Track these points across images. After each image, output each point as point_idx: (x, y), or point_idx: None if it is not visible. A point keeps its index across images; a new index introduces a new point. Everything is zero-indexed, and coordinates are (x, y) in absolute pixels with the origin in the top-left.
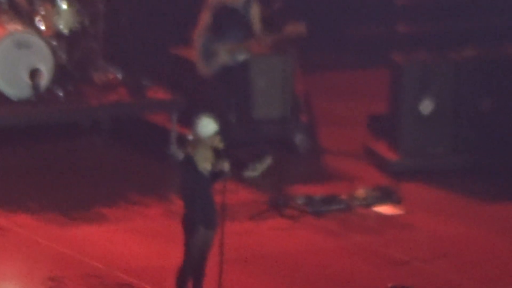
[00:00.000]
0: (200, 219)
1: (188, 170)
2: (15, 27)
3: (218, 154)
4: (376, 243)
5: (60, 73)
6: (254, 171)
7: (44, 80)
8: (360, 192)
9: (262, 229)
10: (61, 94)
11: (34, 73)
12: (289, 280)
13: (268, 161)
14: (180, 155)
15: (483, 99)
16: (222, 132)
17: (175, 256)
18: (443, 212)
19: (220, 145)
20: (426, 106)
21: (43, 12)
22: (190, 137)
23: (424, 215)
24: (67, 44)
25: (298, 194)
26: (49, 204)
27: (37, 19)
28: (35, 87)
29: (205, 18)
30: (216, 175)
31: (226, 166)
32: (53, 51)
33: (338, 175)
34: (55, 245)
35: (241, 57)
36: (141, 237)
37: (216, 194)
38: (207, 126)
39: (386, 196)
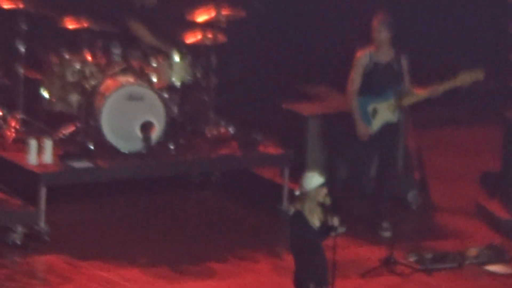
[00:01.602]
0: (310, 277)
1: (298, 225)
2: (127, 79)
3: (326, 209)
4: None
5: (172, 126)
6: (388, 231)
7: (155, 133)
8: (472, 250)
9: (373, 287)
10: (172, 147)
11: (145, 126)
12: None
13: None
14: (291, 210)
15: None
16: (363, 187)
17: None
18: None
19: (327, 200)
20: None
21: (155, 65)
22: (297, 192)
23: None
24: (178, 97)
25: (410, 251)
26: (158, 259)
27: (150, 72)
28: (146, 140)
29: (355, 75)
30: (326, 230)
31: (335, 221)
32: (165, 104)
33: (450, 232)
34: None
35: (400, 112)
36: None
37: (326, 250)
38: (312, 179)
39: (499, 255)
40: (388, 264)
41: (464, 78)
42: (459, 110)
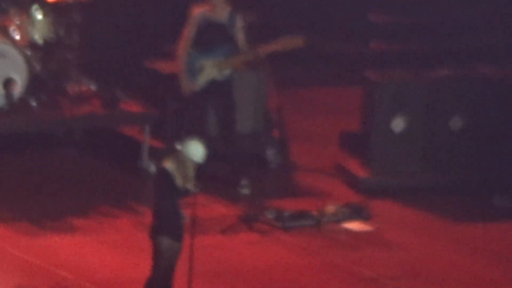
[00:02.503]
0: (166, 231)
1: (163, 183)
2: None
3: (189, 178)
4: (345, 260)
5: (34, 83)
6: (247, 189)
7: (18, 90)
8: (330, 208)
9: (232, 243)
10: (34, 104)
11: (7, 83)
12: None
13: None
14: (151, 167)
15: (455, 118)
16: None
17: (144, 268)
18: (413, 230)
19: (193, 172)
20: (398, 124)
21: (18, 22)
22: (178, 148)
23: (394, 232)
24: (41, 54)
25: (269, 208)
26: (19, 214)
27: (11, 28)
28: (8, 96)
29: (188, 33)
30: (185, 192)
31: (192, 186)
32: (28, 61)
33: (309, 191)
34: (24, 255)
35: (228, 71)
36: (111, 248)
37: (186, 207)
38: (196, 151)
39: (356, 213)
40: (247, 221)
41: (285, 43)
42: (320, 71)
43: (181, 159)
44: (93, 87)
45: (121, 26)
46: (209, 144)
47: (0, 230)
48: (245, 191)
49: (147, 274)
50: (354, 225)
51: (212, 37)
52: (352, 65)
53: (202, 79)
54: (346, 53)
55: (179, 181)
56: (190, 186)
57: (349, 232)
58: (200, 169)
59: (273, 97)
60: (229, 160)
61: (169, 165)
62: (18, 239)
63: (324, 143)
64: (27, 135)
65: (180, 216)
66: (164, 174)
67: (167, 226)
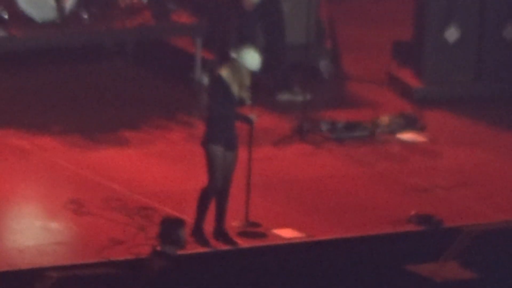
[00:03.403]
0: (218, 139)
1: (218, 90)
2: None
3: (244, 86)
4: (398, 170)
5: None
6: (287, 95)
7: (69, 2)
8: (384, 119)
9: (285, 155)
10: (85, 16)
11: None
12: (311, 206)
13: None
14: (204, 79)
15: (508, 28)
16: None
17: (196, 180)
18: (466, 140)
19: (248, 81)
20: (452, 34)
21: None
22: (232, 58)
23: (447, 143)
24: None
25: (322, 120)
26: (72, 127)
27: None
28: (60, 9)
29: None
30: (240, 101)
31: (247, 96)
32: None
33: (362, 101)
34: (77, 168)
35: None
36: (163, 161)
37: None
38: (254, 60)
39: (410, 123)
40: (300, 132)
41: None
42: None
43: (236, 67)
44: None
45: None
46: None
47: (52, 143)
48: (298, 97)
49: (199, 186)
50: (407, 136)
51: None
52: None
53: None
54: None
55: (234, 89)
56: (246, 95)
57: (402, 142)
58: (253, 80)
59: (325, 8)
60: (279, 72)
61: (224, 73)
62: (70, 152)
63: (376, 53)
64: (78, 48)
65: (233, 126)
66: (219, 82)
67: (219, 135)
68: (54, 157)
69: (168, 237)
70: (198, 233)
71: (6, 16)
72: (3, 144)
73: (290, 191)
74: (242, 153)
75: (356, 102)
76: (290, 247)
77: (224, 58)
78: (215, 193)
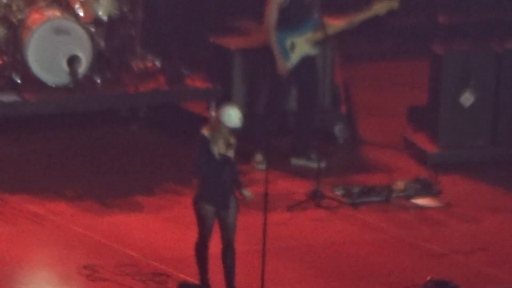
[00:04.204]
0: (208, 199)
1: (201, 148)
2: (53, 13)
3: (229, 145)
4: (414, 236)
5: (98, 60)
6: (314, 162)
7: (82, 67)
8: (399, 184)
9: (300, 220)
10: (99, 81)
11: (72, 60)
12: (326, 272)
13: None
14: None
15: None
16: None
17: (212, 245)
18: (483, 205)
19: (232, 140)
20: (467, 98)
21: None
22: (212, 114)
23: (464, 207)
24: (105, 31)
25: (337, 185)
26: (86, 192)
27: (76, 5)
28: (73, 74)
29: (271, 12)
30: (224, 161)
31: (232, 153)
32: (92, 37)
33: (377, 166)
34: (91, 233)
35: (319, 45)
36: (178, 226)
37: (257, 184)
38: (233, 118)
39: (426, 188)
40: (314, 197)
41: (379, 7)
42: (386, 44)
43: (217, 125)
44: (157, 63)
45: (185, 0)
46: (290, 118)
47: (66, 208)
48: (313, 165)
49: (213, 251)
50: (423, 201)
51: (297, 12)
52: (419, 37)
53: (296, 56)
54: (414, 26)
55: (219, 148)
56: (230, 153)
57: (418, 207)
58: (267, 144)
59: (340, 72)
60: (298, 135)
61: (206, 131)
62: (83, 217)
63: (391, 117)
64: (91, 113)
65: (226, 185)
66: (202, 140)
67: (209, 194)
68: (67, 222)
69: None
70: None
71: (19, 81)
72: (16, 209)
73: (305, 256)
74: (257, 218)
75: (371, 167)
76: None
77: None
78: (203, 248)
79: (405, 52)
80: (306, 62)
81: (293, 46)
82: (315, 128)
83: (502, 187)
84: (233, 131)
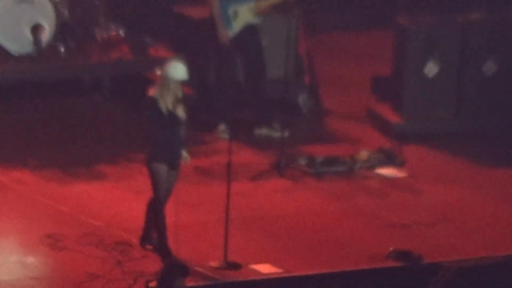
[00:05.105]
0: (162, 158)
1: (149, 108)
2: None
3: (178, 100)
4: (377, 206)
5: (62, 30)
6: (265, 130)
7: (46, 36)
8: (363, 154)
9: (263, 190)
10: (62, 50)
11: (35, 29)
12: (289, 242)
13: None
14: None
15: (488, 63)
16: (234, 93)
17: (175, 215)
18: (446, 176)
19: (180, 93)
20: (431, 69)
21: None
22: (158, 72)
23: (427, 178)
24: (69, 0)
25: (300, 155)
26: (49, 161)
27: None
28: (36, 42)
29: None
30: (174, 118)
31: (181, 112)
32: (55, 7)
33: (341, 136)
34: (54, 202)
35: (262, 15)
36: (141, 195)
37: (221, 154)
38: (178, 70)
39: (389, 159)
40: (278, 167)
41: None
42: (350, 16)
43: (164, 82)
44: (121, 33)
45: None
46: (239, 90)
47: (29, 177)
48: (277, 134)
49: (177, 221)
50: (386, 171)
51: None
52: (383, 9)
53: (237, 25)
54: None
55: (168, 103)
56: (180, 110)
57: (382, 178)
58: (231, 115)
59: (304, 43)
60: (258, 107)
61: (153, 91)
62: (47, 186)
63: (355, 88)
64: (55, 82)
65: (175, 145)
66: (149, 102)
67: (162, 153)
68: (30, 191)
69: (167, 282)
70: (147, 242)
71: None
72: None
73: (268, 227)
74: (220, 188)
75: (335, 137)
76: (268, 283)
77: (203, 92)
78: (161, 208)
79: (369, 23)
80: (249, 30)
81: (235, 14)
82: (273, 97)
83: (465, 158)
84: (182, 85)
